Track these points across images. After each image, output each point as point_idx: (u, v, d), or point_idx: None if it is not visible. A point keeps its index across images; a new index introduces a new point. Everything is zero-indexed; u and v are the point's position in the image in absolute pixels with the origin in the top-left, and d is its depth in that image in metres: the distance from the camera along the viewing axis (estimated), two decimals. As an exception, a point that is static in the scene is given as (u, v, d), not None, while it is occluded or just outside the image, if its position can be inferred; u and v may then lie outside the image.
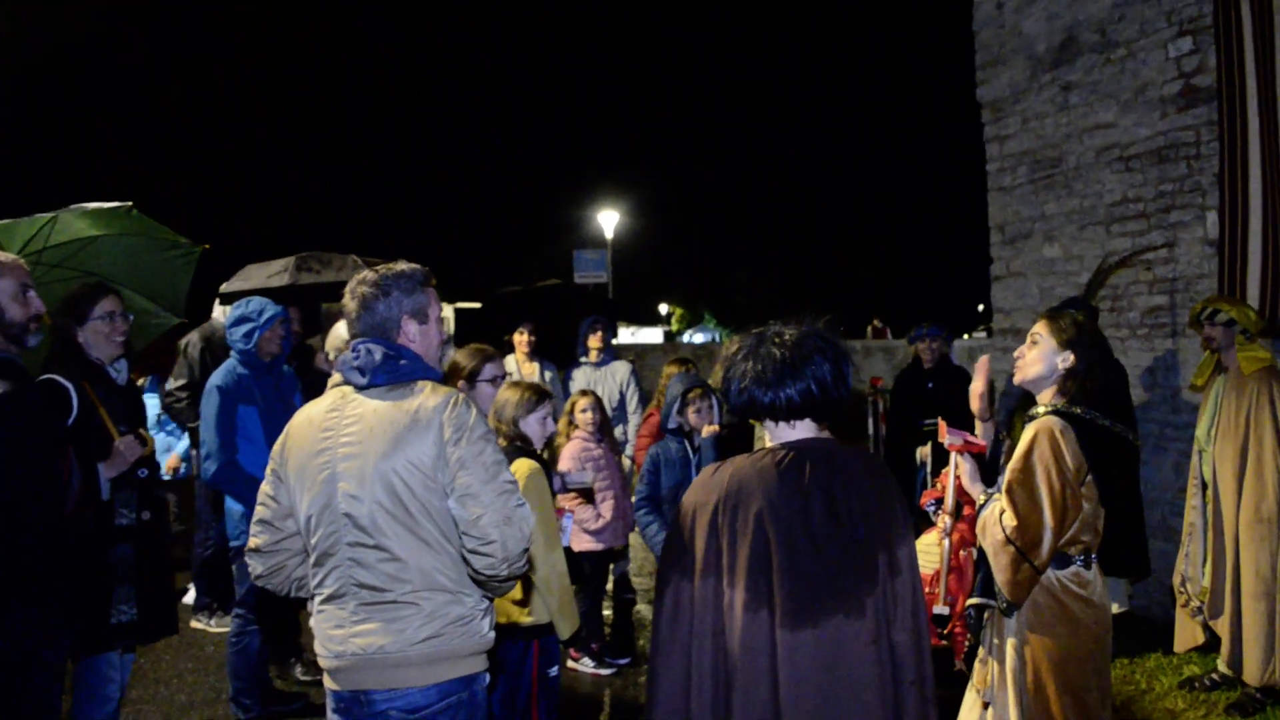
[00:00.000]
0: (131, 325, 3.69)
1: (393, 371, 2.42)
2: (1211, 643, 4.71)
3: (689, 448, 4.95)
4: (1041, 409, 2.88)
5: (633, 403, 6.56)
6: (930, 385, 5.84)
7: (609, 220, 28.69)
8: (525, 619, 3.35)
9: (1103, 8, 5.86)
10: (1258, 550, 4.39)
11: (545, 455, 5.26)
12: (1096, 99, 5.93)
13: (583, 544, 5.06)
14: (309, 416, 2.48)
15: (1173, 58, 5.41)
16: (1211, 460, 4.63)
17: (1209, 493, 4.66)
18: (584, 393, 5.16)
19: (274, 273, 6.21)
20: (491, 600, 2.50)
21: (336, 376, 2.51)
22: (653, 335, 66.41)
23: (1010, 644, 2.90)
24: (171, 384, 5.80)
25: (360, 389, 2.43)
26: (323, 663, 2.39)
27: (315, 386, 3.79)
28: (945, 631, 3.71)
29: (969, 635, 3.04)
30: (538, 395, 3.60)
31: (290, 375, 4.64)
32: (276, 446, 2.51)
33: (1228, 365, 4.59)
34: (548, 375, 6.77)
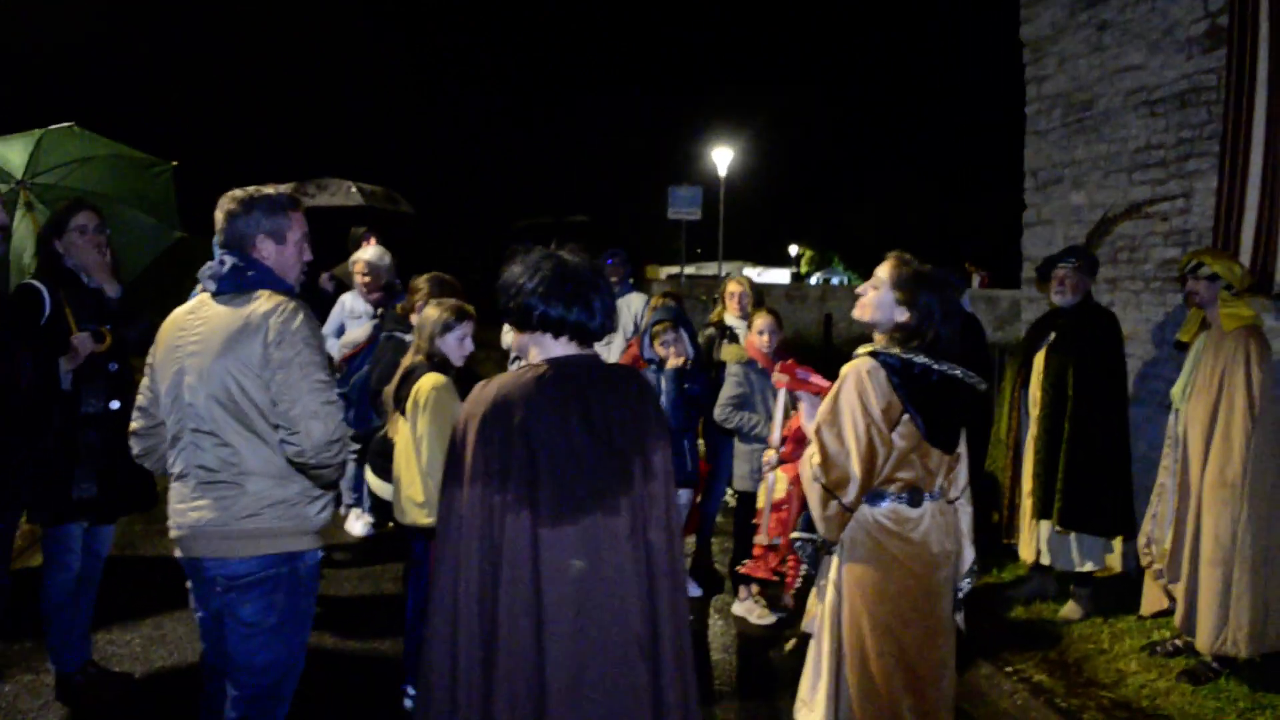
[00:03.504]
0: (113, 238, 3.98)
1: (237, 281, 2.68)
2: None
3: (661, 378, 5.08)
4: (862, 350, 2.90)
5: (645, 333, 6.73)
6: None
7: (722, 157, 28.22)
8: (424, 520, 3.61)
9: (1140, -60, 5.49)
10: (1219, 515, 4.21)
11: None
12: (1128, 39, 5.59)
13: None
14: (174, 318, 2.78)
15: (1201, -5, 5.05)
16: (1184, 419, 4.45)
17: (1180, 452, 4.48)
18: None
19: None
20: (326, 488, 2.76)
21: (200, 285, 2.80)
22: (780, 276, 65.69)
23: (830, 578, 2.96)
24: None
25: (213, 295, 2.71)
26: (170, 534, 2.72)
27: (316, 304, 3.90)
28: (775, 566, 3.78)
29: (802, 567, 3.13)
30: (456, 314, 3.79)
31: None
32: (153, 344, 2.83)
33: (1211, 322, 4.38)
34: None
